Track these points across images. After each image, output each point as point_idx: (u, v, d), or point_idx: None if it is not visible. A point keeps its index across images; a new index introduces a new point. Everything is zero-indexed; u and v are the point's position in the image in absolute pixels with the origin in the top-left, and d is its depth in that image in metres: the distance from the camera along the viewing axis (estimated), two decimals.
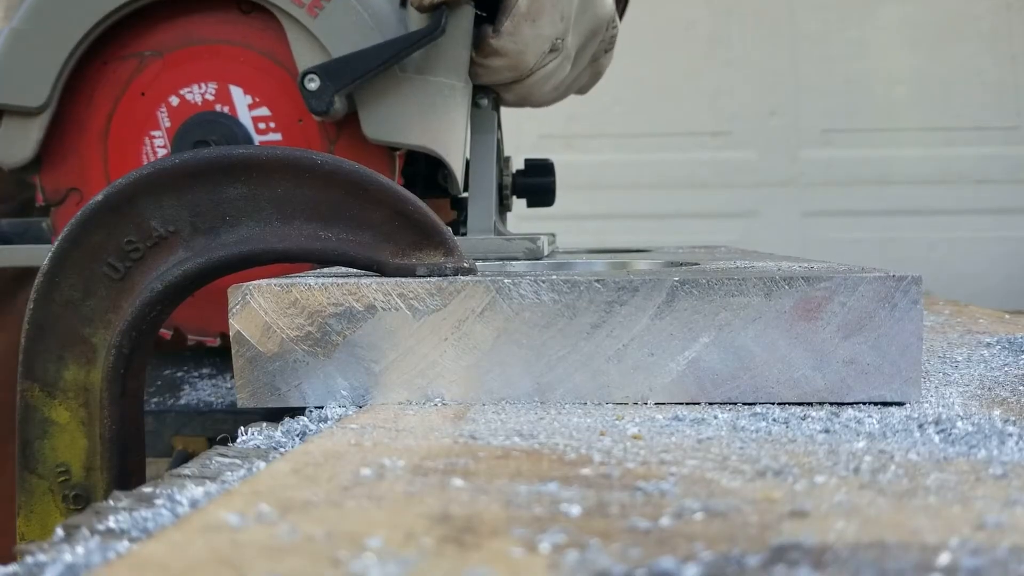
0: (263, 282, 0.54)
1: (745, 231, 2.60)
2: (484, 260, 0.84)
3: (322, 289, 0.53)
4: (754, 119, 2.65)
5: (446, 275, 0.55)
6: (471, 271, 0.57)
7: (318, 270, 0.67)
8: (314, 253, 0.56)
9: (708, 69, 2.65)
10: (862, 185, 2.62)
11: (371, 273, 0.57)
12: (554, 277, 0.53)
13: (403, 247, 0.56)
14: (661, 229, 2.54)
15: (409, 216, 0.56)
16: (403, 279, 0.54)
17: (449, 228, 0.58)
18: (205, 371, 1.00)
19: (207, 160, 0.55)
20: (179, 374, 1.00)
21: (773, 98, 2.65)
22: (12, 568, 0.30)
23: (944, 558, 0.27)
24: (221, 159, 0.55)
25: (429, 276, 0.55)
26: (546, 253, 0.91)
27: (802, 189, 2.64)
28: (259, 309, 0.53)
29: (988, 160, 2.61)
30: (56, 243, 0.55)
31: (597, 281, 0.52)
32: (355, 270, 0.59)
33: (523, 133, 2.21)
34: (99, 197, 0.55)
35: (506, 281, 0.52)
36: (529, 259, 0.86)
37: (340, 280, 0.54)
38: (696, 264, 0.70)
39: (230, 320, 0.54)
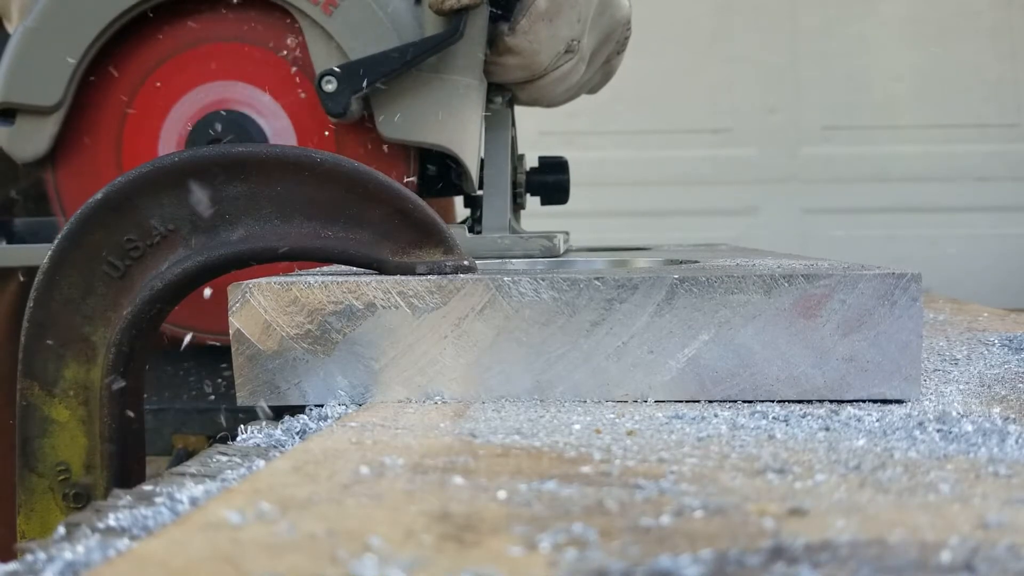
0: (263, 280, 0.54)
1: (745, 228, 2.60)
2: (500, 258, 0.84)
3: (322, 287, 0.53)
4: (754, 116, 2.65)
5: (446, 273, 0.55)
6: (471, 269, 0.57)
7: (318, 268, 0.67)
8: (314, 252, 0.56)
9: (708, 66, 2.64)
10: (862, 182, 2.61)
11: (371, 271, 0.57)
12: (554, 275, 0.53)
13: (403, 245, 0.56)
14: (661, 226, 2.54)
15: (409, 214, 0.56)
16: (403, 277, 0.54)
17: (448, 226, 0.58)
18: (205, 368, 1.00)
19: (207, 158, 0.55)
20: (179, 372, 1.00)
21: (773, 95, 2.64)
22: (12, 566, 0.30)
23: (944, 556, 0.27)
24: (221, 157, 0.55)
25: (429, 274, 0.55)
26: (562, 251, 0.91)
27: (802, 186, 2.64)
28: (259, 307, 0.53)
29: (989, 157, 2.61)
30: (56, 241, 0.55)
31: (597, 279, 0.52)
32: (355, 268, 0.59)
33: (522, 130, 2.19)
34: (99, 195, 0.55)
35: (506, 279, 0.52)
36: (545, 256, 0.85)
37: (340, 278, 0.54)
38: (696, 262, 0.70)
39: (230, 318, 0.54)
